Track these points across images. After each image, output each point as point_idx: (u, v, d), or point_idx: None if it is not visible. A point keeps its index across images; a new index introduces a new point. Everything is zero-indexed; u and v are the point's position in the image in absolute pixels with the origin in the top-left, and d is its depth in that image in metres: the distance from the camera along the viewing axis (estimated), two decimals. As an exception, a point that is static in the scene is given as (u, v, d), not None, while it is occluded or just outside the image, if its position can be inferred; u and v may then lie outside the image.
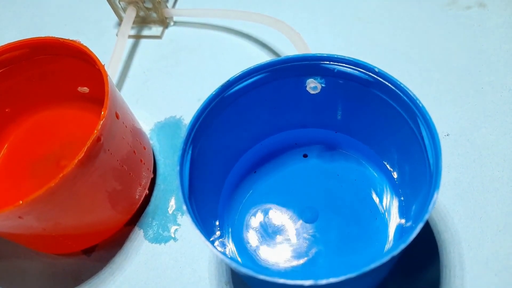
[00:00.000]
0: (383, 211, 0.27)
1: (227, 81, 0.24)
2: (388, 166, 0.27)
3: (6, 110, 0.32)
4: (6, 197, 0.30)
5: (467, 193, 0.28)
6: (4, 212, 0.22)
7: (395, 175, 0.27)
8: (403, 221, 0.26)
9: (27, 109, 0.33)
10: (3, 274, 0.29)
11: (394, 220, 0.26)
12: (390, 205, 0.27)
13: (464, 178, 0.28)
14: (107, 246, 0.29)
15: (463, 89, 0.33)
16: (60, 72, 0.31)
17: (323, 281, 0.18)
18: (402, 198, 0.26)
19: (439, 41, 0.36)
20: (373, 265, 0.18)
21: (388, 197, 0.27)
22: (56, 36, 0.28)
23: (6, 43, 0.29)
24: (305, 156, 0.29)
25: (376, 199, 0.27)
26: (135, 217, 0.30)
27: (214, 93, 0.24)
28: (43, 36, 0.28)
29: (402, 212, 0.26)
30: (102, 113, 0.24)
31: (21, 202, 0.22)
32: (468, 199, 0.28)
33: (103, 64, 0.27)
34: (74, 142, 0.30)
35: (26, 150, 0.32)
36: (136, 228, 0.30)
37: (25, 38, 0.29)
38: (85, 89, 0.32)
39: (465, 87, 0.33)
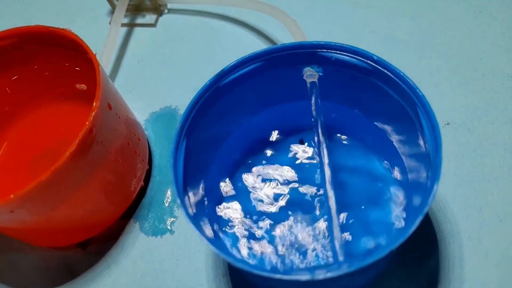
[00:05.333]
0: (382, 201, 0.26)
1: (221, 70, 0.24)
2: (388, 155, 0.27)
3: (5, 108, 0.32)
4: (4, 194, 0.29)
5: (467, 183, 0.27)
6: (-5, 207, 0.22)
7: (395, 165, 0.26)
8: (403, 211, 0.25)
9: (26, 107, 0.32)
10: (-2, 268, 0.29)
11: (394, 210, 0.26)
12: (389, 194, 0.26)
13: (464, 167, 0.28)
14: (103, 239, 0.29)
15: (464, 77, 0.32)
16: (56, 67, 0.30)
17: (320, 276, 0.17)
18: (402, 188, 0.26)
19: (439, 27, 0.35)
20: (370, 260, 0.17)
21: (388, 186, 0.26)
22: (46, 25, 0.27)
23: (-5, 32, 0.28)
24: (301, 142, 0.29)
25: (375, 188, 0.27)
26: (131, 209, 0.30)
27: (208, 83, 0.23)
28: (33, 25, 0.28)
29: (402, 203, 0.26)
30: (94, 104, 0.24)
31: (12, 196, 0.21)
32: (468, 189, 0.27)
33: (94, 53, 0.26)
34: (73, 139, 0.30)
35: (26, 148, 0.32)
36: (132, 221, 0.29)
37: (15, 27, 0.28)
38: (83, 86, 0.32)
39: (466, 74, 0.32)
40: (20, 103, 0.32)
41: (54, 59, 0.30)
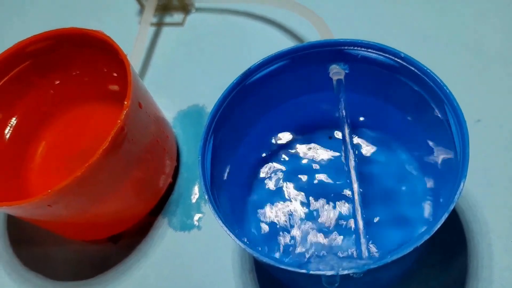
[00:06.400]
0: (409, 196, 0.26)
1: (248, 69, 0.24)
2: (417, 150, 0.27)
3: (43, 109, 0.33)
4: (43, 189, 0.31)
5: (498, 182, 0.27)
6: (34, 201, 0.23)
7: (424, 160, 0.26)
8: (430, 208, 0.25)
9: (63, 108, 0.34)
10: (35, 260, 0.30)
11: (421, 207, 0.25)
12: (417, 190, 0.26)
13: (495, 166, 0.27)
14: (133, 234, 0.30)
15: (495, 73, 0.31)
16: (95, 72, 0.31)
17: (345, 272, 0.17)
18: (431, 184, 0.26)
19: (469, 21, 0.34)
20: (394, 256, 0.17)
21: (416, 181, 0.26)
22: (78, 27, 0.28)
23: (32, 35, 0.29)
24: (330, 138, 0.29)
25: (403, 183, 0.26)
26: (160, 205, 0.30)
27: (234, 81, 0.24)
28: (66, 27, 0.29)
29: (431, 199, 0.25)
30: (125, 103, 0.25)
31: (49, 191, 0.23)
32: (498, 188, 0.27)
33: (125, 54, 0.27)
34: (106, 137, 0.31)
35: (62, 147, 0.33)
36: (161, 217, 0.30)
37: (49, 29, 0.29)
38: (115, 87, 0.33)
39: (498, 70, 0.31)
40: (57, 104, 0.33)
41: (92, 64, 0.31)
